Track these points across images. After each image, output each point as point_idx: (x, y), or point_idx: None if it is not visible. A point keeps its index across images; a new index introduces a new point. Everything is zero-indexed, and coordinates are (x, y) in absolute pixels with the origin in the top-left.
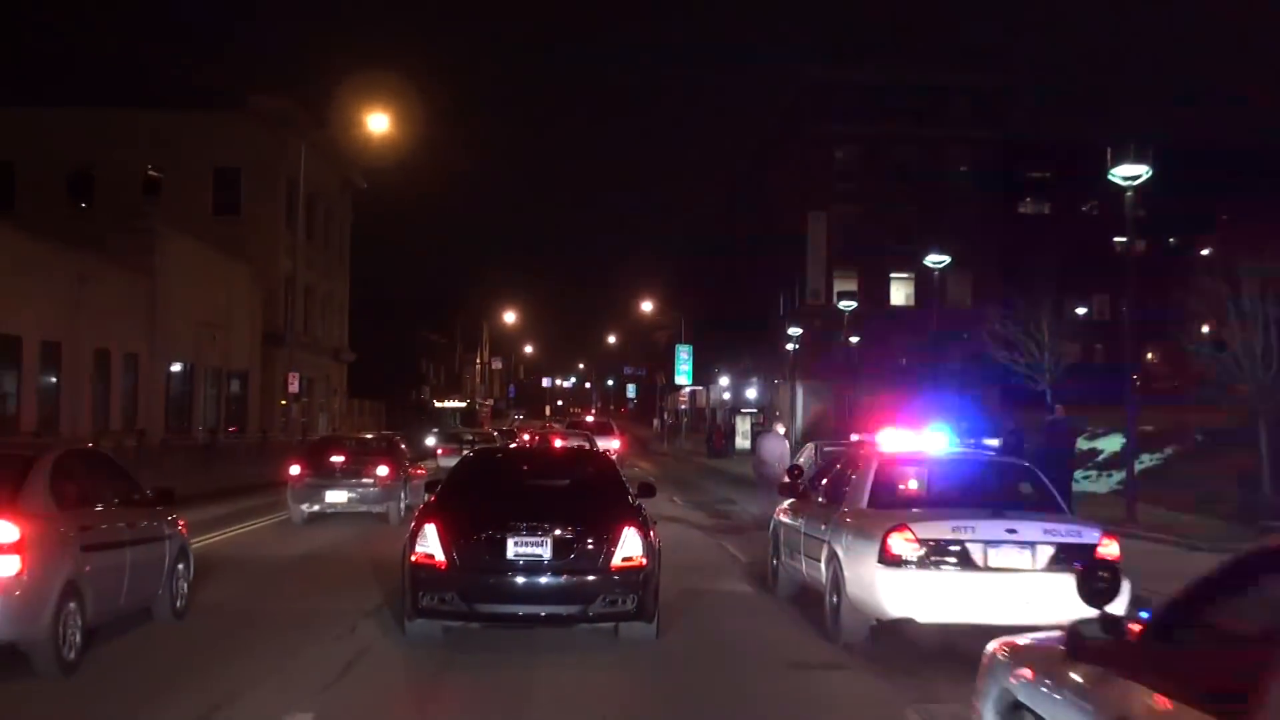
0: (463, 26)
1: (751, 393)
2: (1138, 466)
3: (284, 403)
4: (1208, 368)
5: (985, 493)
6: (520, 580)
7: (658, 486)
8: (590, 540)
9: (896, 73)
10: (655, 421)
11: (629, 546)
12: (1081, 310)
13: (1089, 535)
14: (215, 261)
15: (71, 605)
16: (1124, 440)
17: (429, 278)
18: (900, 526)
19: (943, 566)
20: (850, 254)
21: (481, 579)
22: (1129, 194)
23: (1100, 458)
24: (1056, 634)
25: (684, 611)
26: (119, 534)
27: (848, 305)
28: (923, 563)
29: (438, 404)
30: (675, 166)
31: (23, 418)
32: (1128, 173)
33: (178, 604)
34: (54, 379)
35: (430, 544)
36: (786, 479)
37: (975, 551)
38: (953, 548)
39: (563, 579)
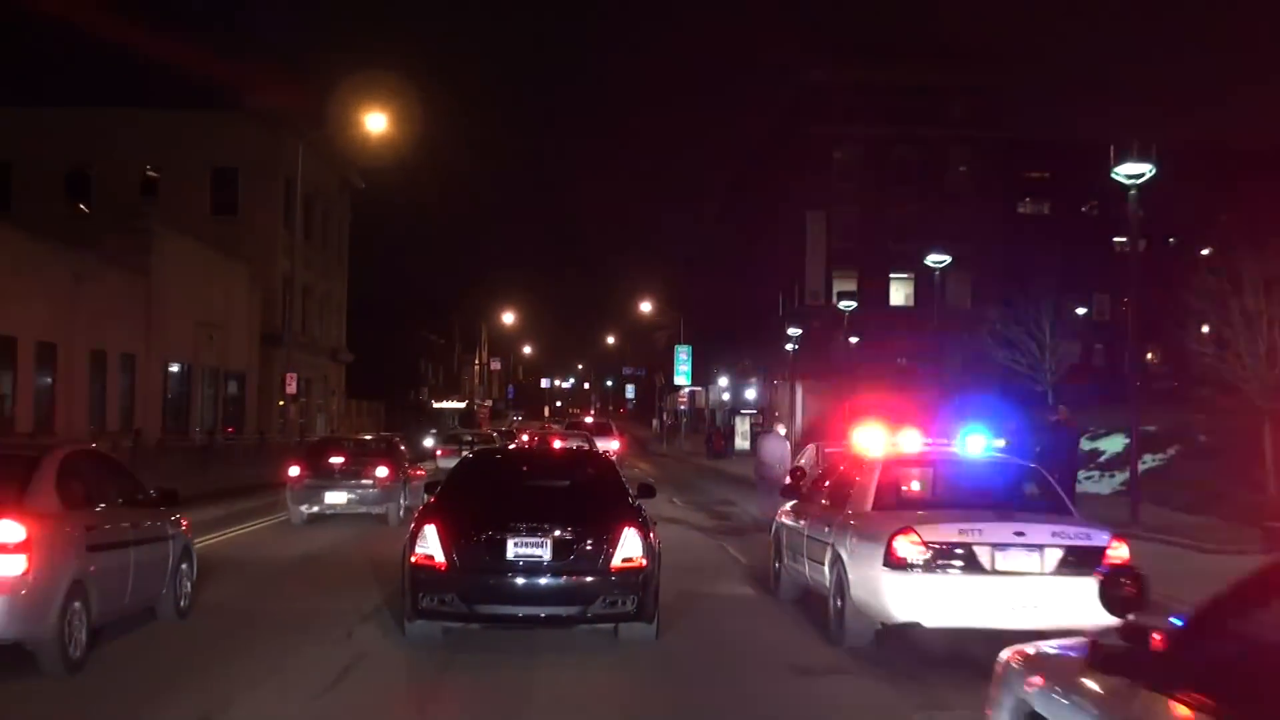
0: (461, 26)
1: (751, 393)
2: (1140, 467)
3: (282, 403)
4: (1211, 367)
5: (991, 494)
6: (520, 581)
7: (657, 487)
8: (590, 541)
9: (896, 73)
10: (654, 422)
11: (629, 547)
12: (1081, 310)
13: (1098, 538)
14: (213, 261)
15: (77, 604)
16: (1126, 440)
17: (427, 278)
18: (906, 529)
19: (949, 570)
20: (850, 254)
21: (481, 580)
22: (1132, 192)
23: (1102, 458)
24: (1073, 642)
25: (685, 614)
26: (124, 534)
27: (847, 305)
28: (929, 566)
29: (436, 405)
30: (674, 166)
31: (18, 418)
32: (1131, 171)
33: (181, 603)
34: (49, 380)
35: (430, 545)
36: (789, 480)
37: (982, 554)
38: (959, 551)
39: (562, 580)
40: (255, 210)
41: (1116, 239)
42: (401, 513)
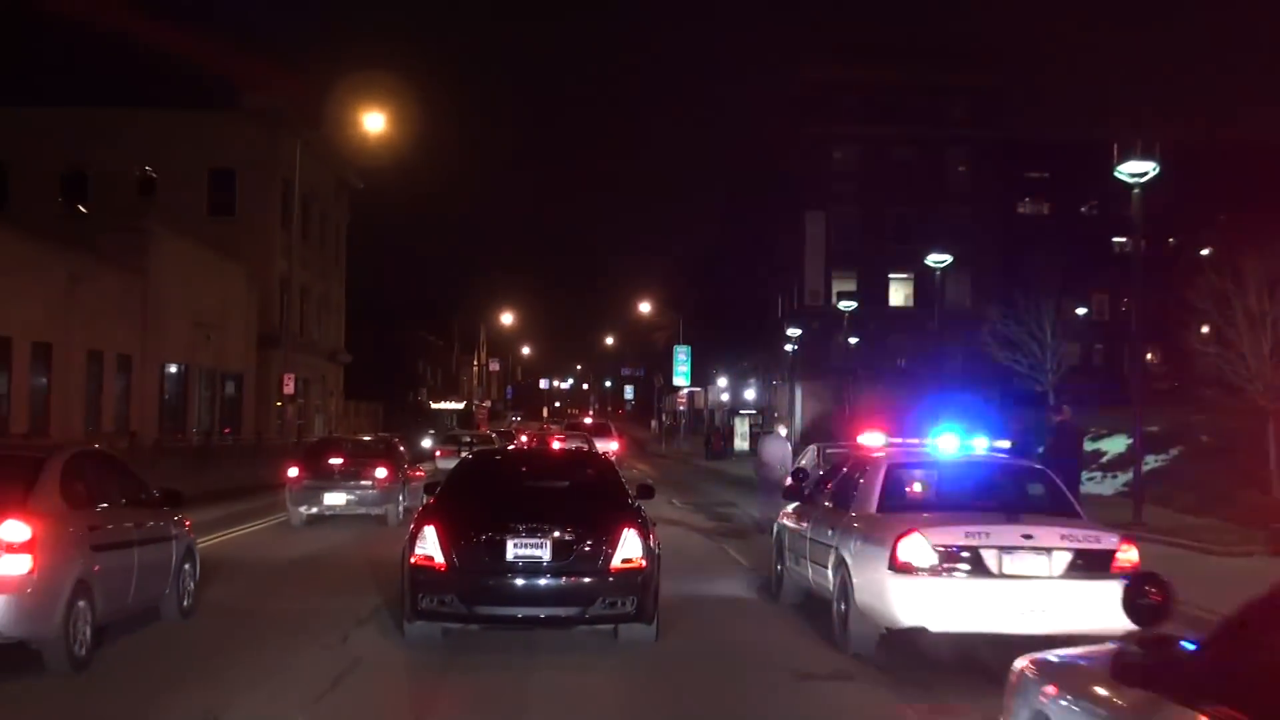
0: (459, 26)
1: (750, 394)
2: (1143, 468)
3: (279, 404)
4: (1215, 367)
5: (998, 496)
6: (520, 582)
7: (656, 488)
8: (590, 542)
9: (895, 73)
10: (653, 423)
11: (628, 548)
12: (1081, 310)
13: (1107, 541)
14: (209, 262)
15: (82, 604)
16: (1128, 441)
17: (426, 279)
18: (911, 532)
19: (955, 573)
20: (849, 254)
21: (481, 581)
22: (1135, 191)
23: (1104, 459)
24: (1091, 650)
25: (685, 617)
26: (128, 534)
27: (847, 305)
28: (935, 570)
29: (434, 406)
30: (673, 166)
31: (13, 419)
32: (1134, 169)
33: (184, 603)
34: (45, 381)
35: (429, 546)
36: (791, 482)
37: (989, 558)
38: (966, 554)
39: (562, 581)
40: (253, 211)
41: (1116, 239)
42: (401, 514)
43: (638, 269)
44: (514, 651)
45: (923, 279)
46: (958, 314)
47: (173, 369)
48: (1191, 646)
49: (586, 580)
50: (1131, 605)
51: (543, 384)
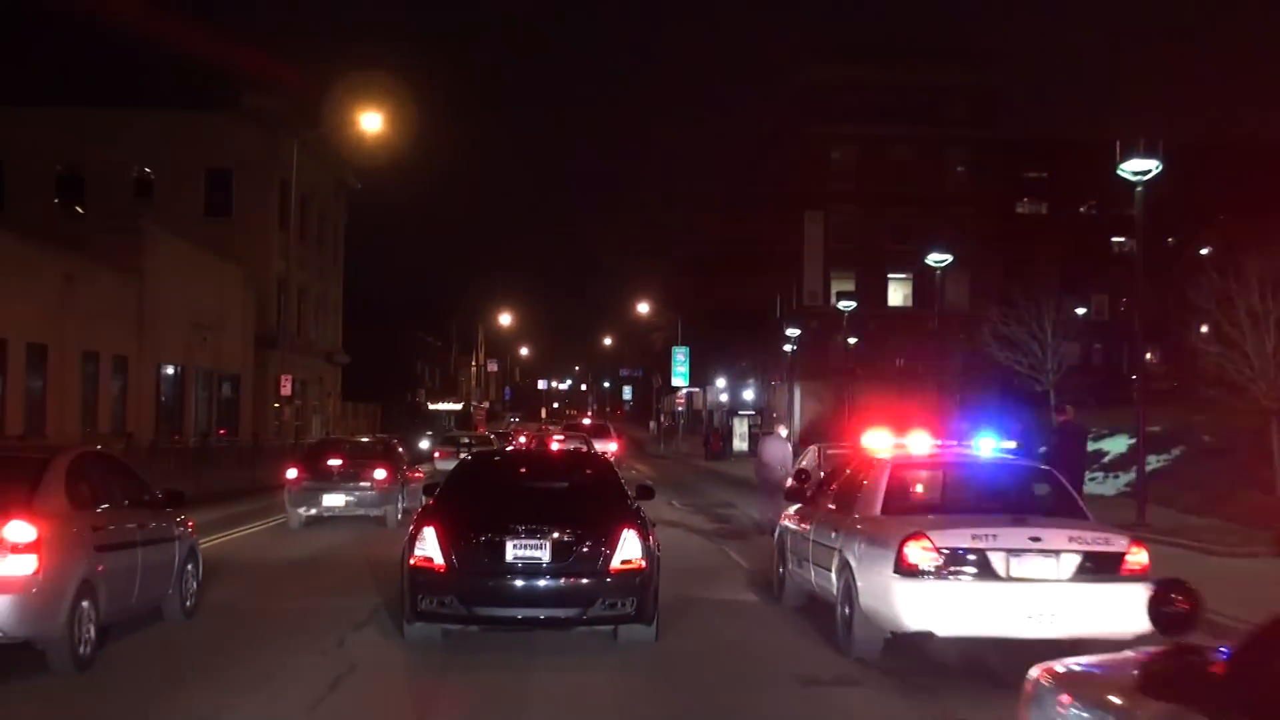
0: (458, 26)
1: (749, 394)
2: (1145, 468)
3: (277, 405)
4: (1217, 367)
5: (1004, 498)
6: (519, 583)
7: (655, 489)
8: (589, 543)
9: (894, 72)
10: (652, 423)
11: (628, 549)
12: (1080, 310)
13: (1116, 543)
14: (206, 262)
15: (85, 604)
16: (1129, 441)
17: (424, 279)
18: (917, 534)
19: (962, 576)
20: (848, 254)
21: (481, 582)
22: (1138, 189)
23: (1105, 459)
24: (1110, 658)
25: (686, 620)
26: (131, 535)
27: (847, 305)
28: (941, 572)
29: (432, 406)
30: (671, 166)
31: (8, 421)
32: (1137, 167)
33: (187, 604)
34: (40, 382)
35: (429, 547)
36: (793, 483)
37: (997, 560)
38: (973, 556)
39: (562, 582)
40: (250, 211)
41: (1115, 239)
42: (400, 515)
43: (636, 269)
44: (514, 652)
45: (922, 279)
46: (957, 314)
47: (169, 370)
48: (1220, 656)
49: (586, 581)
50: (1157, 613)
51: (541, 385)
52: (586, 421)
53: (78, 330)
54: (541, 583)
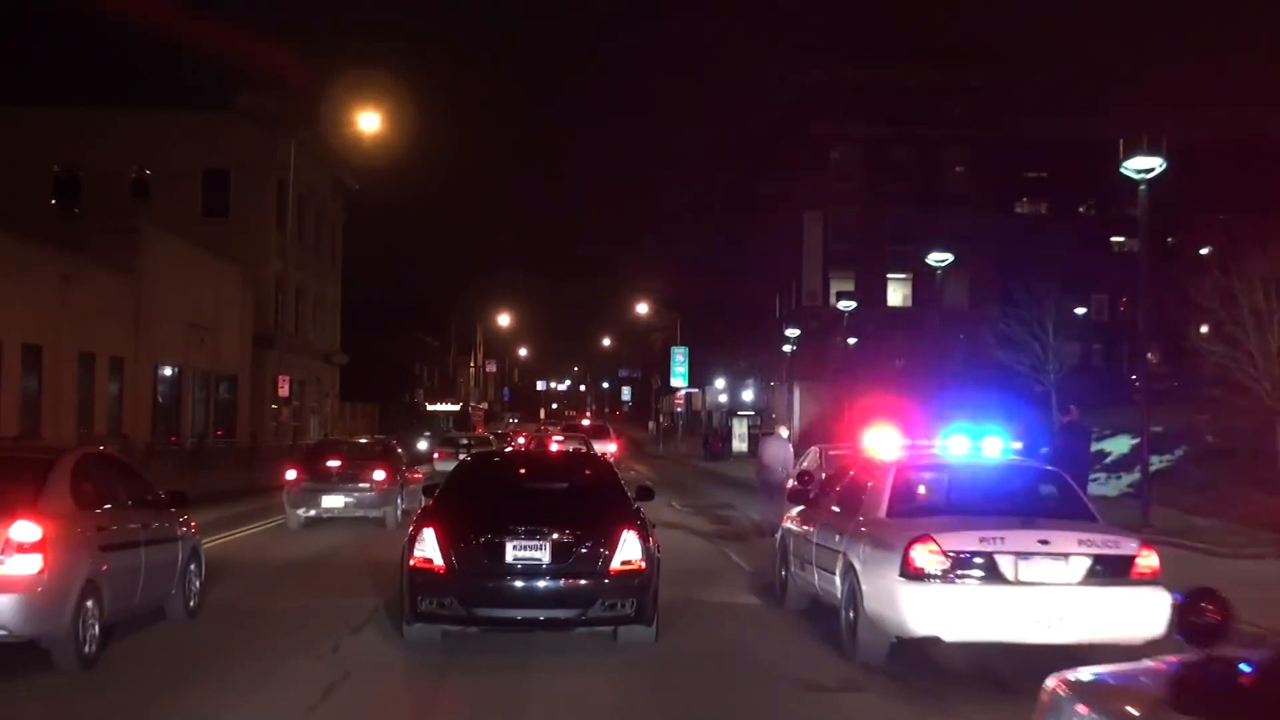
0: (456, 27)
1: (748, 395)
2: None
3: (275, 406)
4: (1221, 366)
5: (1011, 500)
6: (519, 584)
7: (655, 490)
8: (589, 544)
9: (894, 72)
10: (651, 424)
11: (628, 550)
12: (1080, 311)
13: (1126, 546)
14: (203, 263)
15: (90, 603)
16: (1132, 442)
17: (422, 280)
18: (924, 537)
19: (970, 580)
20: (847, 254)
21: (480, 583)
22: (1142, 188)
23: (1108, 460)
24: (1125, 668)
25: (687, 623)
26: (135, 534)
27: (847, 306)
28: (948, 576)
29: (430, 407)
30: (671, 166)
31: (3, 422)
32: (1141, 165)
33: (190, 603)
34: (36, 383)
35: (429, 548)
36: (796, 485)
37: (1005, 564)
38: (980, 560)
39: (561, 583)
40: (247, 211)
41: (1114, 239)
42: (399, 516)
43: (635, 269)
44: (513, 654)
45: (921, 279)
46: (956, 314)
47: (166, 370)
48: (1249, 668)
49: (586, 582)
50: (1187, 624)
51: (540, 385)
52: (586, 422)
53: (74, 331)
54: (541, 584)
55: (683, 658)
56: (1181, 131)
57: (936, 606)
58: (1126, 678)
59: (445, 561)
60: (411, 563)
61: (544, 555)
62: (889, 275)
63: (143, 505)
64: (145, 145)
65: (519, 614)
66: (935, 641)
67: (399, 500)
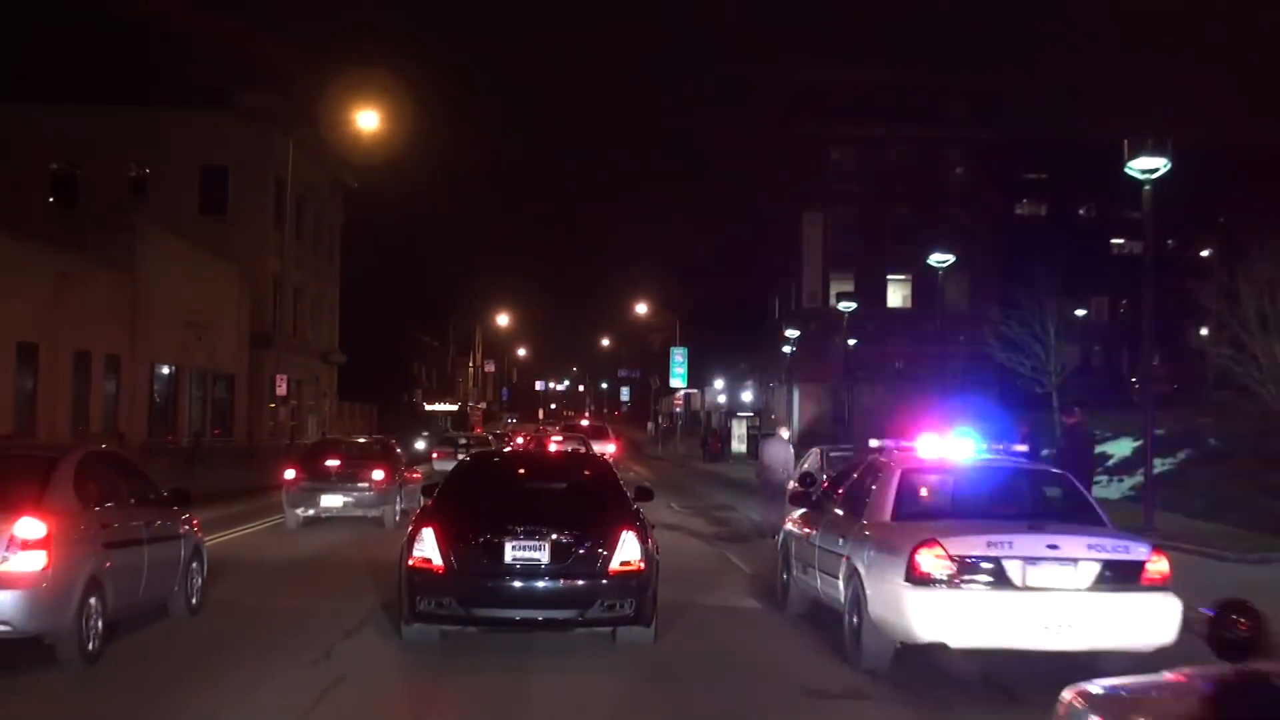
0: (455, 26)
1: (747, 396)
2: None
3: (272, 405)
4: (1227, 369)
5: (1017, 503)
6: (518, 584)
7: (654, 491)
8: (588, 544)
9: (893, 73)
10: (650, 425)
11: (627, 551)
12: (1080, 312)
13: (1137, 550)
14: (201, 261)
15: (93, 600)
16: (1134, 444)
17: (421, 279)
18: (930, 541)
19: (977, 586)
20: (847, 255)
21: (479, 583)
22: (1146, 188)
23: (1109, 462)
24: (1144, 680)
25: (688, 628)
26: (138, 532)
27: (847, 306)
28: (954, 581)
29: (429, 407)
30: (670, 167)
31: None
32: (1146, 165)
33: (193, 601)
34: (31, 381)
35: (427, 548)
36: (799, 487)
37: (1013, 569)
38: (987, 565)
39: (560, 583)
40: (245, 210)
41: (1115, 240)
42: (397, 516)
43: (634, 270)
44: (511, 654)
45: (921, 280)
46: (956, 315)
47: (163, 369)
48: None
49: (585, 583)
50: (1218, 637)
51: (538, 385)
52: (584, 423)
53: (70, 329)
54: (540, 584)
55: (683, 661)
56: (1182, 132)
57: (943, 612)
58: (1146, 691)
59: (444, 561)
60: (410, 562)
61: (543, 555)
62: (889, 276)
63: (146, 503)
64: (143, 143)
65: (518, 614)
66: (941, 648)
67: (397, 500)
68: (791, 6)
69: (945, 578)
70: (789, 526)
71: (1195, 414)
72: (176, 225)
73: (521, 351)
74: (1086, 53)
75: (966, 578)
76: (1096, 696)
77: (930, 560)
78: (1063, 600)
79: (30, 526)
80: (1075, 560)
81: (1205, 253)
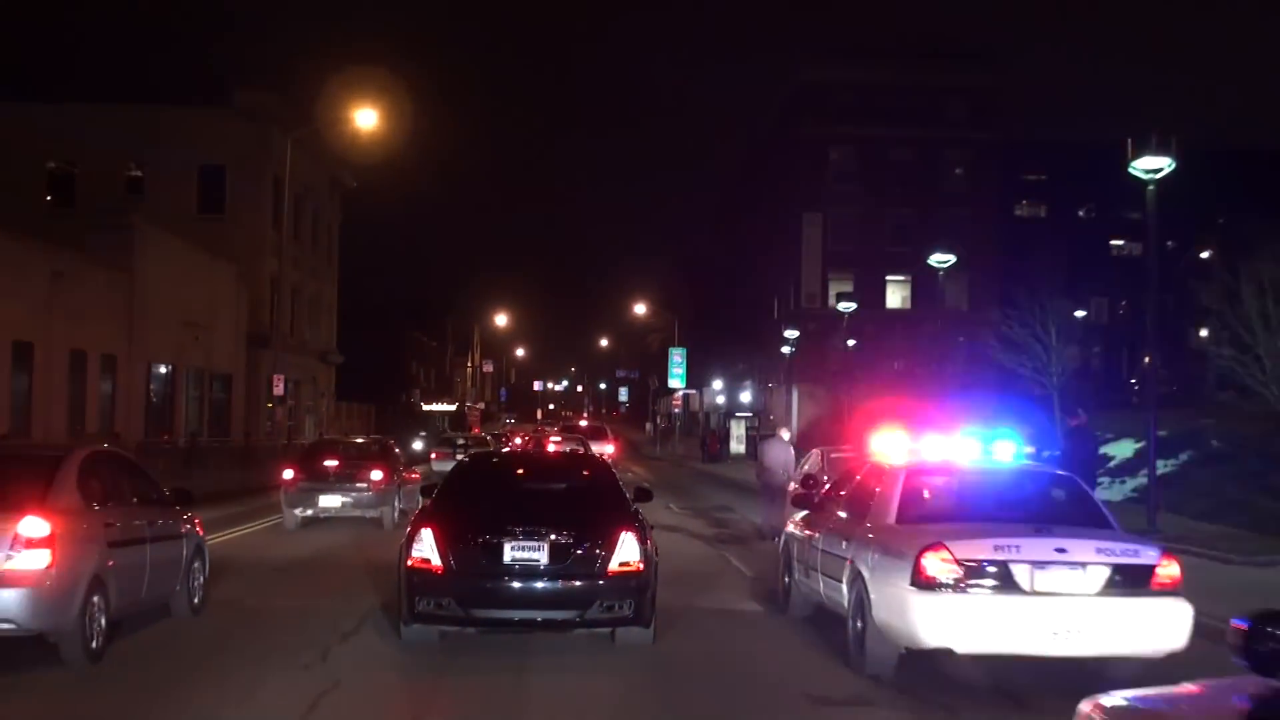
0: (454, 26)
1: (746, 396)
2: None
3: (270, 405)
4: (1229, 370)
5: (1024, 506)
6: (517, 585)
7: (653, 491)
8: (587, 545)
9: (892, 73)
10: (648, 425)
11: (626, 551)
12: (1079, 313)
13: (1146, 555)
14: (198, 260)
15: (97, 598)
16: (1136, 446)
17: (420, 279)
18: (936, 545)
19: (984, 590)
20: (846, 256)
21: (478, 584)
22: (1150, 188)
23: (1112, 464)
24: (1164, 692)
25: (688, 631)
26: (141, 531)
27: (847, 307)
28: (960, 585)
29: (426, 407)
30: (669, 167)
31: None
32: (1150, 165)
33: (195, 600)
34: (26, 380)
35: (426, 548)
36: (800, 489)
37: (1020, 573)
38: (994, 569)
39: (559, 584)
40: (243, 209)
41: (1114, 241)
42: (396, 516)
43: (633, 270)
44: (510, 655)
45: (920, 280)
46: (955, 316)
47: (160, 369)
48: None
49: (584, 583)
50: (1251, 651)
51: (537, 386)
52: (583, 423)
53: (65, 328)
54: (539, 585)
55: (682, 664)
56: (1182, 131)
57: (949, 617)
58: (1171, 705)
59: (443, 562)
60: (409, 563)
61: (542, 556)
62: (888, 277)
63: (148, 503)
64: (141, 142)
65: (516, 615)
66: (947, 654)
67: (396, 500)
68: (791, 6)
69: (951, 582)
70: (790, 529)
71: (1197, 415)
72: (174, 224)
73: (520, 352)
74: (1087, 53)
75: (973, 582)
76: (1117, 710)
77: (936, 564)
78: (1071, 605)
79: (34, 525)
80: (1084, 564)
81: (1205, 254)
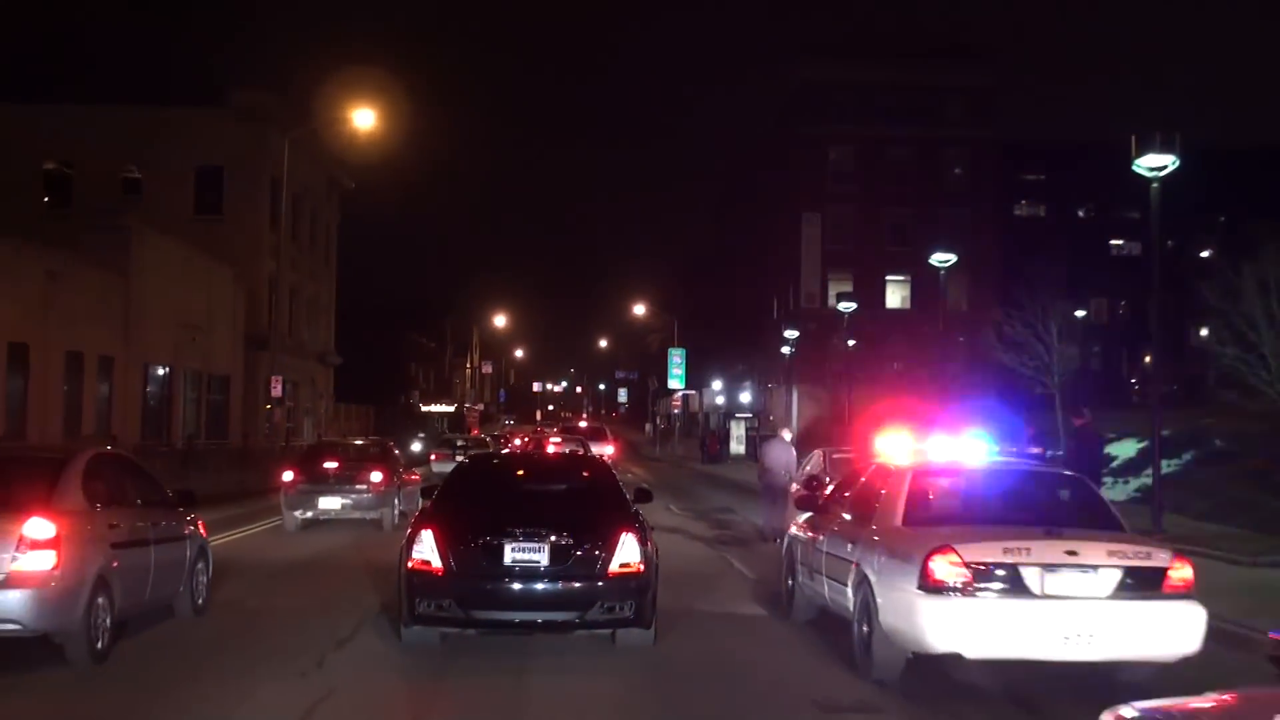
0: (454, 26)
1: (745, 397)
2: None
3: (268, 407)
4: (1232, 369)
5: (1034, 508)
6: (517, 586)
7: (653, 492)
8: (587, 546)
9: (892, 73)
10: (648, 426)
11: (626, 552)
12: (1079, 313)
13: (1159, 557)
14: (195, 262)
15: (101, 599)
16: (1139, 445)
17: (418, 280)
18: (944, 548)
19: (993, 594)
20: (845, 256)
21: (479, 585)
22: (1154, 186)
23: (1115, 464)
24: (1184, 703)
25: (690, 635)
26: (144, 533)
27: (846, 307)
28: (969, 589)
29: (425, 408)
30: (668, 168)
31: None
32: (1154, 163)
33: (198, 601)
34: (22, 382)
35: (427, 550)
36: (803, 490)
37: (1030, 576)
38: (1004, 572)
39: (560, 585)
40: (241, 210)
41: (1114, 241)
42: (396, 518)
43: (632, 271)
44: (511, 656)
45: (920, 281)
46: (955, 316)
47: (157, 371)
48: None
49: (584, 585)
50: None
51: (536, 387)
52: (583, 424)
53: (61, 329)
54: (539, 586)
55: (684, 667)
56: (1181, 131)
57: (957, 621)
58: (1187, 716)
59: (443, 563)
60: (409, 564)
61: (542, 557)
62: (888, 277)
63: (152, 504)
64: (137, 142)
65: (517, 616)
66: (956, 658)
67: (396, 502)
68: (791, 6)
69: (960, 585)
70: (794, 531)
71: (1200, 414)
72: (171, 225)
73: (519, 353)
74: (1087, 52)
75: (982, 585)
76: None
77: (944, 567)
78: (1083, 609)
79: (40, 527)
80: (1095, 567)
81: (1205, 254)
